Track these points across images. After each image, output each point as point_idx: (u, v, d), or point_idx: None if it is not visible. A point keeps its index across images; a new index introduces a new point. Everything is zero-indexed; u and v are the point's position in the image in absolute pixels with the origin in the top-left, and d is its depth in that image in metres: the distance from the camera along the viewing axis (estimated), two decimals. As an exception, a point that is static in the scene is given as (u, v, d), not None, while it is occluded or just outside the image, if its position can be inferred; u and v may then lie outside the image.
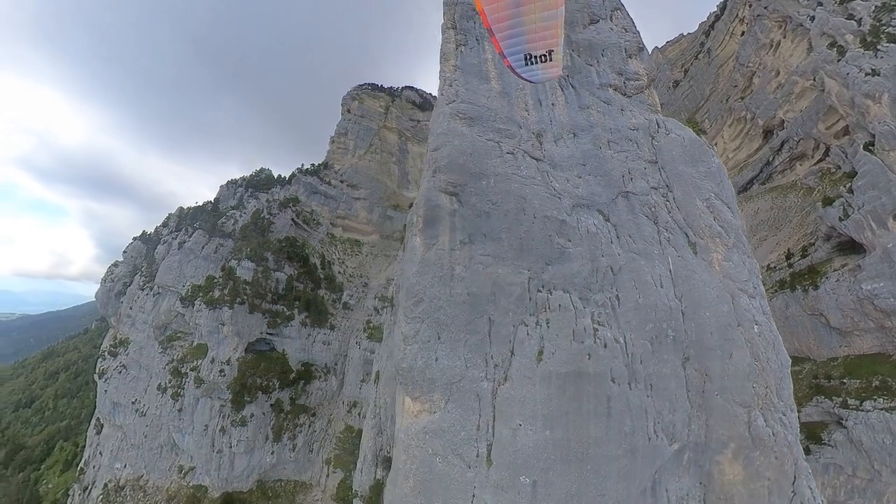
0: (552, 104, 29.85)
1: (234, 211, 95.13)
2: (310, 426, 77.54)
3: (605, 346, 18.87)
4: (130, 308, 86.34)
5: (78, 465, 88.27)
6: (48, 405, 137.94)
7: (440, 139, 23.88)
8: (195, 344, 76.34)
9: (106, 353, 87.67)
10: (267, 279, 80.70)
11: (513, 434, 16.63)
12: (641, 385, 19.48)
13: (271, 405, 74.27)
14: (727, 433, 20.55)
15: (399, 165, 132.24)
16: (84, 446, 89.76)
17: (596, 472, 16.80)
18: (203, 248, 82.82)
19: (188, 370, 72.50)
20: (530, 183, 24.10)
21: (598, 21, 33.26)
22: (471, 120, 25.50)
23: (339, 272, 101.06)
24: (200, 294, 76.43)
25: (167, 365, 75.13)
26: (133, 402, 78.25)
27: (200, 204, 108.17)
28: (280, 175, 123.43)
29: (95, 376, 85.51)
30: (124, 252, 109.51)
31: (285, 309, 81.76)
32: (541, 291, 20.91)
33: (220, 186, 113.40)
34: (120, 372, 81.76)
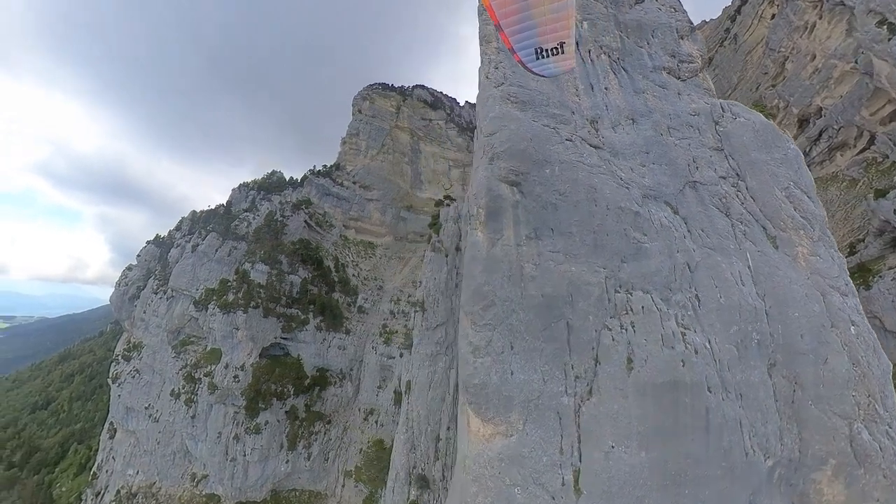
0: (605, 88, 27.62)
1: (247, 213, 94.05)
2: (325, 434, 75.36)
3: (696, 352, 16.45)
4: (144, 312, 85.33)
5: (91, 470, 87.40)
6: (63, 407, 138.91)
7: (494, 123, 21.70)
8: (209, 349, 74.83)
9: (119, 358, 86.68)
10: (281, 282, 79.14)
11: (605, 457, 14.25)
12: (732, 395, 17.03)
13: (286, 412, 72.29)
14: (825, 448, 17.96)
15: (412, 166, 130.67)
16: (97, 450, 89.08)
17: (694, 497, 14.37)
18: (216, 251, 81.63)
19: (202, 376, 70.95)
20: (597, 171, 21.83)
21: (644, 0, 31.00)
22: (523, 104, 23.34)
23: (354, 275, 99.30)
24: (214, 298, 75.03)
25: (180, 370, 73.72)
26: (146, 408, 76.91)
27: (213, 207, 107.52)
28: (292, 177, 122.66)
29: (109, 381, 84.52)
30: (138, 256, 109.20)
31: (300, 313, 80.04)
32: (619, 292, 18.54)
33: (233, 190, 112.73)
34: (133, 377, 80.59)
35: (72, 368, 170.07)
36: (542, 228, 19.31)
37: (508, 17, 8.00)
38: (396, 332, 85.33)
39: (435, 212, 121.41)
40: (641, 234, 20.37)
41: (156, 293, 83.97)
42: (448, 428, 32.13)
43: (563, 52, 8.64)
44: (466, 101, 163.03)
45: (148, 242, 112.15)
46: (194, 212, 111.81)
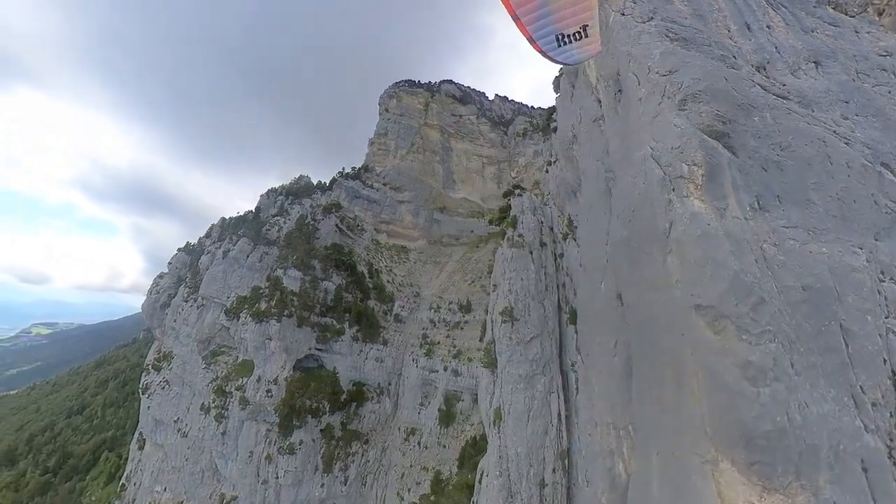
0: (767, 27, 20.48)
1: (278, 217, 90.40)
2: (363, 455, 69.38)
3: None
4: (174, 321, 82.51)
5: (120, 480, 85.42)
6: (97, 413, 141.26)
7: (670, 60, 15.00)
8: (240, 360, 70.59)
9: (150, 367, 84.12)
10: (315, 289, 74.32)
11: None
12: None
13: (321, 431, 66.81)
14: None
15: (443, 164, 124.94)
16: (126, 459, 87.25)
17: None
18: (248, 256, 77.88)
19: (233, 389, 66.56)
20: (812, 122, 14.55)
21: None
22: (685, 41, 16.50)
23: (388, 281, 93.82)
24: (246, 306, 70.88)
25: (211, 383, 69.71)
26: (175, 421, 73.40)
27: (242, 214, 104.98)
28: (321, 181, 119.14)
29: (139, 391, 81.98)
30: (169, 263, 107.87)
31: (335, 322, 74.87)
32: (883, 280, 11.61)
33: (261, 195, 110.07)
34: (163, 388, 77.53)
35: (106, 374, 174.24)
36: (765, 195, 12.53)
37: (524, 5, 7.64)
38: (438, 343, 78.78)
39: (475, 210, 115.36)
40: (891, 201, 13.52)
41: (186, 301, 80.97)
42: (554, 470, 25.10)
43: (586, 36, 8.20)
44: (496, 95, 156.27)
45: (179, 250, 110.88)
46: (224, 218, 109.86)
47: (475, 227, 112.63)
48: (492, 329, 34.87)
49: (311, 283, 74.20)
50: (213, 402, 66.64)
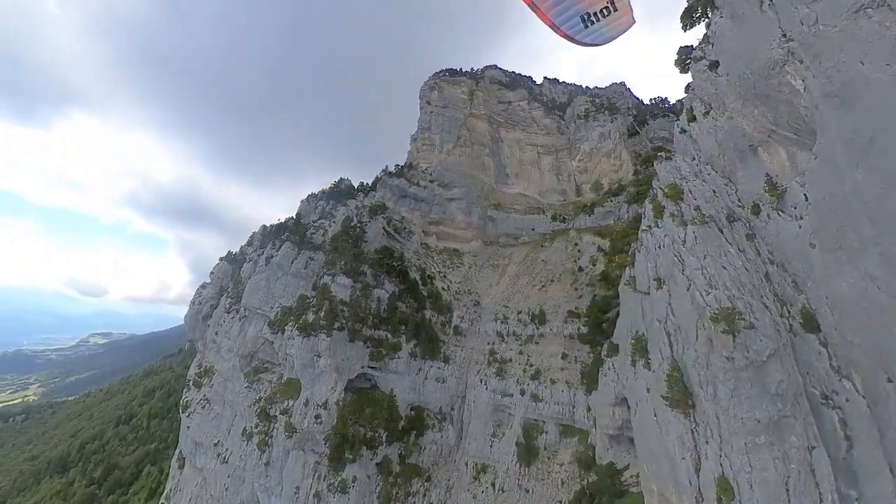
0: None
1: (322, 220, 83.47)
2: (424, 495, 59.12)
3: None
4: (216, 333, 76.96)
5: (160, 498, 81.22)
6: (142, 423, 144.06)
7: None
8: (285, 379, 62.90)
9: (191, 384, 78.89)
10: (367, 298, 65.71)
11: None
12: None
13: (377, 465, 57.32)
14: None
15: (494, 157, 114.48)
16: (167, 475, 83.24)
17: None
18: (292, 262, 70.83)
19: (277, 413, 58.66)
20: None
21: None
22: None
23: (443, 288, 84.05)
24: (291, 318, 63.36)
25: (254, 404, 62.32)
26: (215, 445, 66.79)
27: (283, 221, 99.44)
28: (362, 182, 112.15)
29: (180, 409, 76.77)
30: (211, 273, 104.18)
31: (389, 335, 65.76)
32: None
33: (301, 201, 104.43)
34: (203, 406, 71.51)
35: (153, 384, 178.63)
36: None
37: None
38: (510, 360, 67.52)
39: (532, 205, 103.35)
40: None
41: (228, 313, 75.13)
42: None
43: (615, 10, 7.80)
44: (545, 78, 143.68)
45: (221, 259, 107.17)
46: (265, 226, 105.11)
47: (536, 224, 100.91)
48: (668, 345, 23.33)
49: (363, 291, 65.67)
50: (256, 427, 59.01)
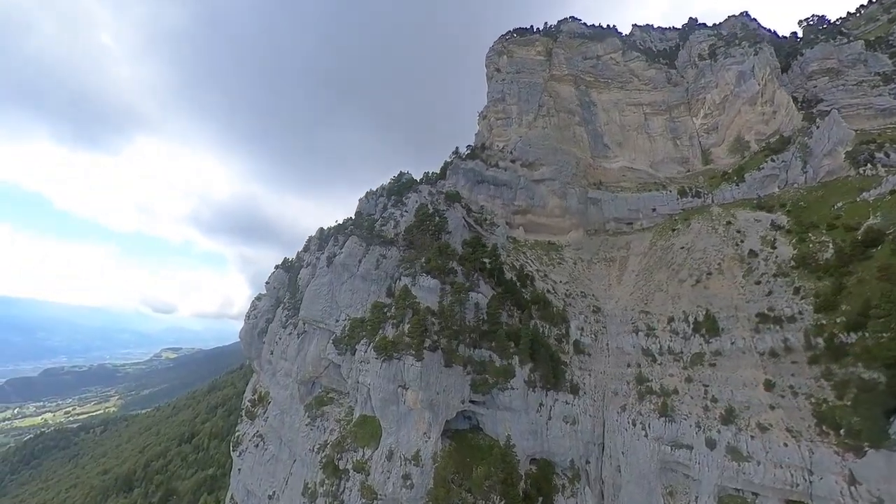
0: None
1: (392, 211, 68.85)
2: None
3: None
4: (271, 352, 64.65)
5: None
6: (203, 444, 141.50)
7: None
8: (357, 416, 47.67)
9: (243, 413, 66.93)
10: (461, 305, 48.89)
11: None
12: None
13: (497, 552, 39.43)
14: None
15: (586, 126, 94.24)
16: None
17: None
18: (360, 261, 56.32)
19: (349, 466, 43.06)
20: None
21: None
22: None
23: (548, 291, 65.33)
24: (364, 334, 48.32)
25: (317, 450, 47.49)
26: (270, 497, 53.06)
27: (340, 222, 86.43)
28: (427, 172, 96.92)
29: (230, 445, 64.96)
30: (267, 283, 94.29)
31: (496, 356, 48.29)
32: None
33: (360, 200, 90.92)
34: (256, 445, 58.50)
35: (216, 400, 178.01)
36: None
37: None
38: (675, 391, 46.87)
39: (645, 181, 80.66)
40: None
41: (284, 327, 62.52)
42: None
43: None
44: (634, 26, 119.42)
45: (277, 267, 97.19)
46: (322, 229, 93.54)
47: (657, 204, 79.09)
48: None
49: (455, 296, 48.98)
50: (322, 485, 43.75)
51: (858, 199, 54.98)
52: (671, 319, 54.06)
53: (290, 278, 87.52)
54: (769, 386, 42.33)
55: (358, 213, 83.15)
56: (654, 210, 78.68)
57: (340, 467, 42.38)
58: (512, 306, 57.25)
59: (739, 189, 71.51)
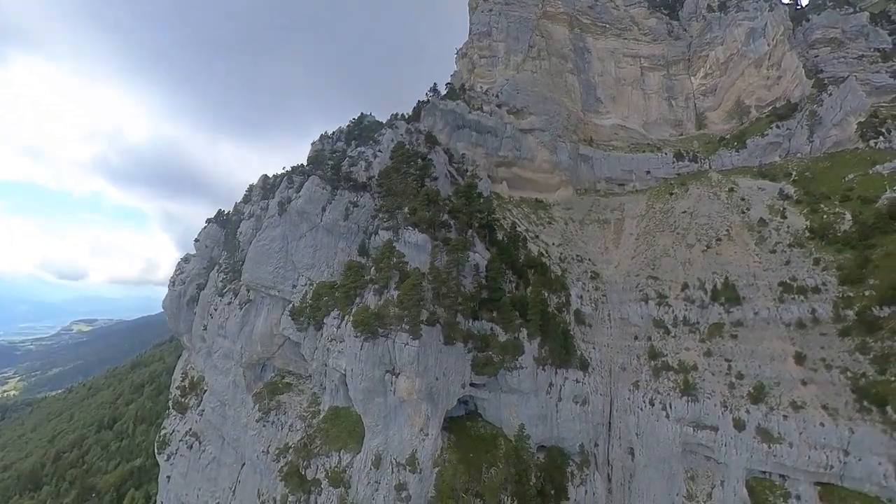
0: None
1: (363, 149, 55.84)
2: None
3: None
4: (204, 327, 51.26)
5: None
6: (128, 430, 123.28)
7: None
8: (328, 408, 37.44)
9: (171, 407, 53.49)
10: (460, 267, 39.13)
11: None
12: None
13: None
14: None
15: (579, 75, 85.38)
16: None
17: None
18: (324, 209, 43.89)
19: (321, 475, 33.22)
20: None
21: None
22: None
23: (541, 254, 57.71)
24: (335, 303, 37.25)
25: (274, 454, 36.85)
26: (213, 507, 42.23)
27: (289, 170, 70.64)
28: (396, 114, 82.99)
29: (155, 447, 51.93)
30: (196, 241, 77.53)
31: (500, 329, 39.83)
32: None
33: (313, 144, 75.45)
34: (190, 446, 46.33)
35: (142, 378, 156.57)
36: None
37: None
38: (694, 367, 41.85)
39: (637, 141, 74.26)
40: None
41: (221, 295, 49.31)
42: None
43: None
44: None
45: (209, 221, 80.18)
46: (266, 177, 77.48)
47: (652, 166, 73.64)
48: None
49: (452, 256, 39.03)
50: (284, 501, 33.60)
51: (871, 172, 53.00)
52: (685, 286, 48.91)
53: (227, 234, 71.93)
54: (800, 359, 38.41)
55: (312, 159, 67.82)
56: (647, 172, 73.23)
57: (309, 477, 32.45)
58: (507, 270, 48.72)
59: (739, 156, 67.89)
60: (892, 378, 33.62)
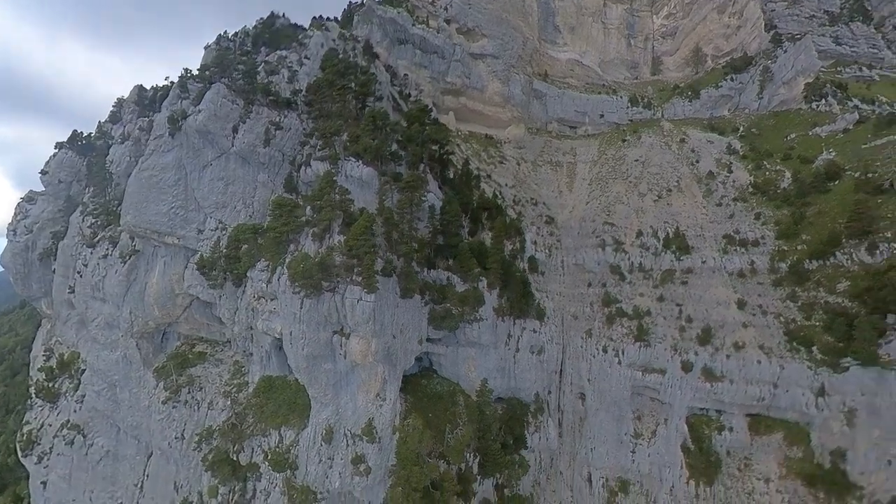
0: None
1: (286, 54, 46.33)
2: (541, 546, 38.03)
3: None
4: (70, 289, 41.57)
5: None
6: None
7: None
8: (259, 379, 33.07)
9: (35, 395, 43.86)
10: (414, 209, 35.30)
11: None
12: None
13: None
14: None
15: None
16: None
17: None
18: (236, 130, 35.88)
19: (258, 459, 29.75)
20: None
21: None
22: None
23: (496, 195, 56.03)
24: (260, 252, 31.69)
25: (193, 441, 32.08)
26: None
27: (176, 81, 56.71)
28: (320, 16, 70.73)
29: (18, 451, 42.82)
30: (44, 173, 62.30)
31: (457, 280, 37.91)
32: None
33: (207, 48, 61.50)
34: (71, 442, 38.94)
35: None
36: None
37: None
38: (648, 313, 44.80)
39: (593, 81, 72.53)
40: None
41: (91, 246, 40.09)
42: None
43: None
44: None
45: (60, 147, 64.54)
46: (143, 88, 63.26)
47: (606, 109, 74.23)
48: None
49: (406, 196, 34.92)
50: (214, 493, 29.81)
51: (811, 133, 58.64)
52: (639, 234, 51.30)
53: (92, 165, 59.07)
54: (741, 305, 43.20)
55: (216, 61, 54.35)
56: (601, 116, 73.84)
57: (243, 462, 28.70)
58: (461, 213, 46.15)
59: (692, 106, 71.10)
60: (817, 323, 39.40)
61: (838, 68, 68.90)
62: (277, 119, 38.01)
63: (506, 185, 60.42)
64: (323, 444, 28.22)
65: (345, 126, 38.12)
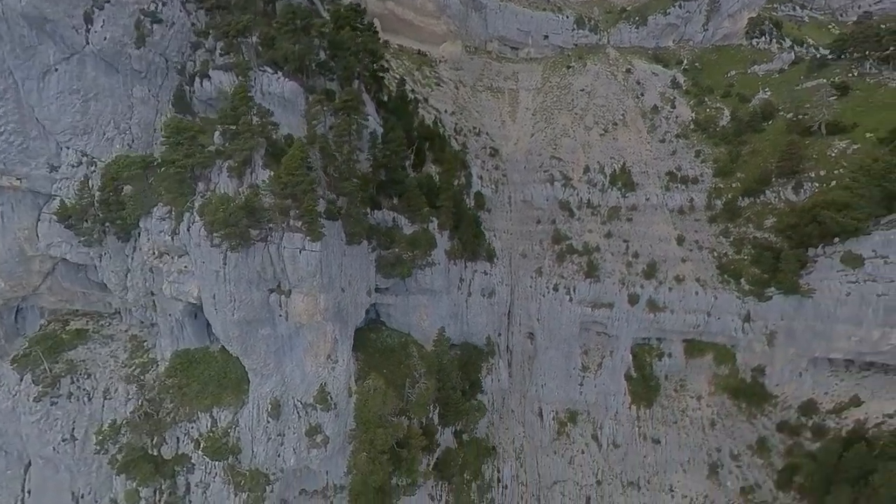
0: None
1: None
2: (499, 480, 40.72)
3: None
4: None
5: None
6: None
7: None
8: (170, 356, 28.04)
9: None
10: (354, 136, 30.56)
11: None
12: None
13: (438, 469, 34.57)
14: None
15: None
16: None
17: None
18: (90, 19, 26.65)
19: (188, 450, 26.01)
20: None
21: None
22: None
23: (436, 122, 52.19)
24: (153, 192, 25.39)
25: (85, 442, 26.76)
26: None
27: None
28: None
29: None
30: None
31: (404, 221, 34.98)
32: None
33: None
34: None
35: None
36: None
37: None
38: (597, 248, 46.66)
39: None
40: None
41: None
42: None
43: None
44: None
45: None
46: None
47: (551, 30, 71.31)
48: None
49: (344, 120, 29.92)
50: (131, 499, 25.76)
51: (749, 72, 62.31)
52: (587, 169, 51.97)
53: None
54: (681, 241, 47.20)
55: None
56: (545, 37, 70.75)
57: (167, 456, 24.65)
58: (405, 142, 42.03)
59: (638, 33, 71.08)
60: (745, 257, 44.46)
61: (774, 5, 73.47)
62: (152, 7, 29.14)
63: (445, 111, 56.47)
64: (270, 420, 25.31)
65: (253, 24, 30.67)
